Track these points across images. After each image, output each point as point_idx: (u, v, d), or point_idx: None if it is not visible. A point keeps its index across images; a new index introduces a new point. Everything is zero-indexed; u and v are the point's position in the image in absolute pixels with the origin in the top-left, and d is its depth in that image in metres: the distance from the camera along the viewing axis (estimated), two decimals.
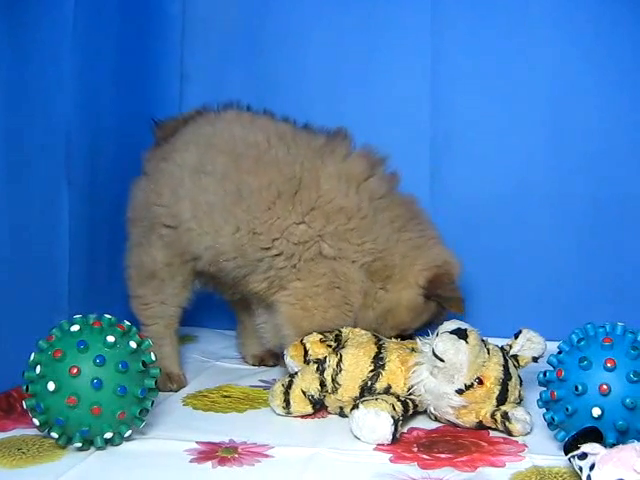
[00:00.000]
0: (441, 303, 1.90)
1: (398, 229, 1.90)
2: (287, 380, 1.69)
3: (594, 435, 1.30)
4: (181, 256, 1.89)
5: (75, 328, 1.47)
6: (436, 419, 1.63)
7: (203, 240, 1.85)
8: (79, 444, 1.44)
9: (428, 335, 1.65)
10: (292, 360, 1.76)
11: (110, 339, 1.45)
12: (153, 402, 1.52)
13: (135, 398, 1.46)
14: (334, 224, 1.84)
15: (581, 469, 1.25)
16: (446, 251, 1.96)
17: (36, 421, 1.45)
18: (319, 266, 1.86)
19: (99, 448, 1.45)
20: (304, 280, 1.86)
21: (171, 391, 1.84)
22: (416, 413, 1.64)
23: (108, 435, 1.45)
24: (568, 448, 1.30)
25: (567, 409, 1.38)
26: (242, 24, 2.44)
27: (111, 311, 1.55)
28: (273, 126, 1.92)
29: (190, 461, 1.42)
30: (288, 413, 1.67)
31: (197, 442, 1.50)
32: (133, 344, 1.48)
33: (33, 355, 1.47)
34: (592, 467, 1.22)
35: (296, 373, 1.70)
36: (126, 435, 1.48)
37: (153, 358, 1.51)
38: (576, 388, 1.37)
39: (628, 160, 2.27)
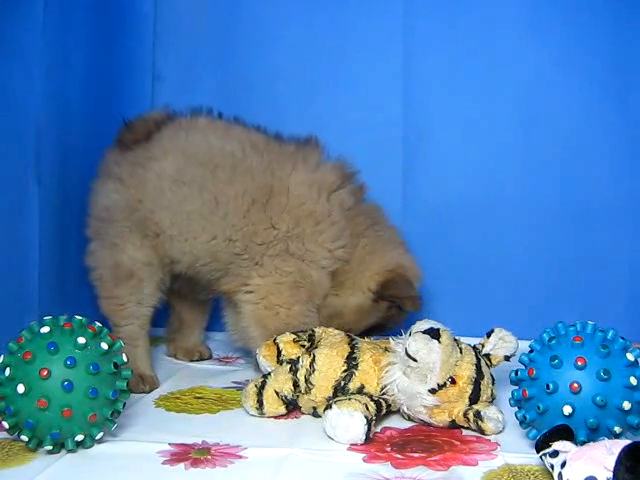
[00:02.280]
0: (396, 303, 1.96)
1: (357, 236, 1.96)
2: (260, 381, 1.68)
3: (565, 433, 1.31)
4: (161, 258, 1.92)
5: (45, 329, 1.45)
6: (409, 418, 1.63)
7: (182, 246, 1.90)
8: (50, 447, 1.42)
9: (401, 335, 1.65)
10: (265, 360, 1.76)
11: (81, 340, 1.43)
12: (125, 404, 1.51)
13: (106, 400, 1.44)
14: (302, 226, 1.88)
15: (552, 467, 1.26)
16: (402, 255, 2.02)
17: (5, 424, 1.43)
18: (286, 263, 1.88)
19: (70, 451, 1.43)
20: (266, 277, 1.89)
21: (143, 392, 1.83)
22: (389, 413, 1.64)
23: (79, 438, 1.43)
24: (540, 446, 1.31)
25: (538, 407, 1.39)
26: (215, 25, 2.43)
27: (82, 312, 1.53)
28: (247, 135, 1.95)
29: (163, 463, 1.41)
30: (261, 414, 1.66)
31: (170, 444, 1.49)
32: (104, 345, 1.46)
33: (2, 357, 1.44)
34: (563, 465, 1.23)
35: (269, 373, 1.70)
36: (97, 437, 1.46)
37: (125, 359, 1.50)
38: (547, 386, 1.38)
39: (597, 162, 2.29)
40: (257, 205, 1.88)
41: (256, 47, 2.40)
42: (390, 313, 1.99)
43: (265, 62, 2.40)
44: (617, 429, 1.36)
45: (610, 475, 1.14)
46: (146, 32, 2.43)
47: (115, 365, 1.46)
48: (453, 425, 1.58)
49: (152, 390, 1.85)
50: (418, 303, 1.96)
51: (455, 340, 1.61)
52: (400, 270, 1.97)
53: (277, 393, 1.65)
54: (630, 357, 1.40)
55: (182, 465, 1.40)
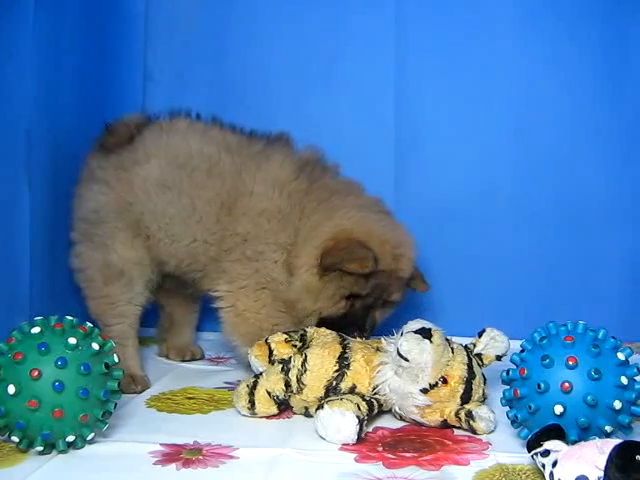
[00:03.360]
0: (343, 270, 1.84)
1: (307, 217, 1.91)
2: (252, 381, 1.68)
3: (556, 432, 1.31)
4: (152, 258, 1.95)
5: (36, 330, 1.44)
6: (401, 418, 1.63)
7: (168, 249, 1.93)
8: (40, 448, 1.42)
9: (392, 335, 1.65)
10: (257, 360, 1.75)
11: (72, 341, 1.43)
12: (116, 404, 1.51)
13: (98, 400, 1.44)
14: (257, 227, 1.89)
15: (544, 466, 1.27)
16: (355, 217, 1.90)
17: None
18: (244, 267, 1.89)
19: (61, 452, 1.43)
20: (231, 283, 1.91)
21: (134, 393, 1.83)
22: (381, 412, 1.64)
23: (70, 438, 1.43)
24: (531, 445, 1.32)
25: (530, 407, 1.40)
26: (207, 25, 2.42)
27: (73, 312, 1.53)
28: (222, 137, 1.97)
29: (154, 463, 1.41)
30: (253, 414, 1.66)
31: (161, 444, 1.49)
32: (95, 346, 1.46)
33: None
34: (555, 464, 1.23)
35: (261, 374, 1.70)
36: (89, 438, 1.46)
37: (116, 360, 1.49)
38: (539, 386, 1.39)
39: (589, 163, 2.31)
40: (225, 209, 1.90)
41: (248, 48, 2.40)
42: (368, 286, 1.88)
43: (257, 63, 2.40)
44: (608, 428, 1.37)
45: (601, 474, 1.14)
46: (137, 32, 2.43)
47: (106, 365, 1.45)
48: (445, 425, 1.59)
49: (143, 390, 1.85)
50: (367, 263, 1.83)
51: (447, 340, 1.62)
52: (343, 234, 1.86)
53: (269, 393, 1.65)
54: (621, 356, 1.40)
55: (174, 465, 1.40)
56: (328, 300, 1.88)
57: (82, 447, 1.46)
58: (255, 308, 1.90)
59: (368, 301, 1.91)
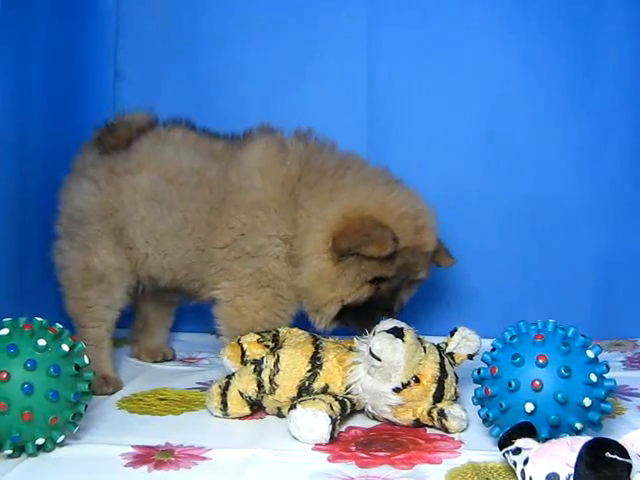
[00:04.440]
0: (360, 254, 1.75)
1: (301, 205, 1.84)
2: (224, 381, 1.67)
3: (527, 430, 1.32)
4: (133, 265, 1.93)
5: (4, 332, 1.42)
6: (374, 418, 1.64)
7: (161, 263, 1.92)
8: (9, 451, 1.40)
9: (365, 334, 1.65)
10: (229, 361, 1.75)
11: (41, 342, 1.41)
12: (87, 406, 1.49)
13: (68, 402, 1.42)
14: (253, 219, 1.85)
15: (515, 464, 1.28)
16: (364, 194, 1.80)
17: None
18: (245, 265, 1.86)
19: (31, 455, 1.41)
20: (232, 280, 1.88)
21: (106, 394, 1.81)
22: (354, 412, 1.64)
23: (40, 441, 1.41)
24: (502, 443, 1.32)
25: (501, 405, 1.41)
26: (178, 22, 2.41)
27: (42, 313, 1.51)
28: (210, 146, 1.94)
29: (125, 465, 1.40)
30: (225, 415, 1.66)
31: (132, 446, 1.48)
32: (65, 347, 1.44)
33: None
34: (526, 462, 1.24)
35: (233, 374, 1.69)
36: (59, 441, 1.44)
37: (86, 361, 1.48)
38: (509, 384, 1.40)
39: (563, 161, 2.33)
40: (214, 211, 1.88)
41: (220, 47, 2.39)
42: (394, 267, 1.78)
43: (229, 63, 2.39)
44: (578, 425, 1.38)
45: (572, 471, 1.15)
46: (108, 30, 2.41)
47: (76, 367, 1.44)
48: (417, 424, 1.59)
49: (115, 392, 1.84)
50: (385, 245, 1.72)
51: (419, 339, 1.62)
52: (354, 213, 1.76)
53: (241, 394, 1.65)
54: (590, 354, 1.42)
55: (145, 467, 1.39)
56: (348, 286, 1.79)
57: (52, 450, 1.44)
58: (255, 307, 1.87)
59: (395, 283, 1.82)
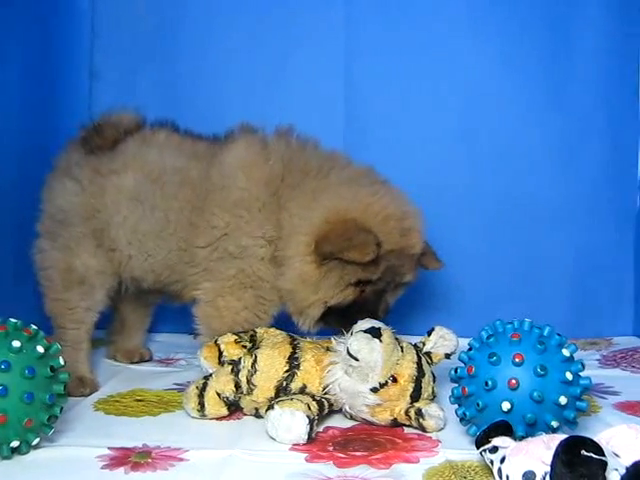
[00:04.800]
0: (343, 260, 1.74)
1: (284, 206, 1.83)
2: (201, 382, 1.67)
3: (504, 429, 1.33)
4: (115, 268, 1.92)
5: None
6: (351, 417, 1.64)
7: (143, 265, 1.90)
8: None
9: (342, 334, 1.65)
10: (206, 361, 1.74)
11: (16, 344, 1.39)
12: (62, 408, 1.48)
13: (43, 404, 1.41)
14: (236, 218, 1.83)
15: (492, 462, 1.28)
16: (339, 196, 1.79)
17: None
18: (228, 266, 1.85)
19: (5, 457, 1.40)
20: (214, 281, 1.87)
21: (82, 396, 1.80)
22: (332, 412, 1.64)
23: (15, 444, 1.40)
24: (479, 442, 1.33)
25: (478, 404, 1.41)
26: (154, 22, 2.40)
27: (17, 314, 1.49)
28: (193, 147, 1.93)
29: (102, 467, 1.39)
30: (203, 416, 1.65)
31: (109, 448, 1.47)
32: (40, 349, 1.43)
33: None
34: (503, 460, 1.25)
35: (210, 375, 1.69)
36: (34, 443, 1.43)
37: (62, 362, 1.46)
38: (486, 383, 1.40)
39: (536, 163, 2.35)
40: (196, 210, 1.87)
41: (198, 45, 2.38)
42: (378, 270, 1.77)
43: (207, 61, 2.39)
44: (554, 424, 1.39)
45: (548, 469, 1.15)
46: (84, 29, 2.40)
47: (52, 368, 1.43)
48: (395, 423, 1.59)
49: (92, 393, 1.82)
50: (368, 250, 1.70)
51: (396, 339, 1.62)
52: (338, 216, 1.75)
53: (219, 394, 1.64)
54: (566, 353, 1.43)
55: (122, 469, 1.38)
56: (332, 289, 1.78)
57: (27, 452, 1.42)
58: (236, 308, 1.86)
59: (380, 285, 1.81)
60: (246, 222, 1.83)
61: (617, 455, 1.18)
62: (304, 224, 1.78)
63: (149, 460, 1.42)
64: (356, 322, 1.67)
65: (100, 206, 1.89)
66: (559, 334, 1.46)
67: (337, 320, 1.80)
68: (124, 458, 1.43)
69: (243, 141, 1.91)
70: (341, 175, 1.84)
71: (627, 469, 1.14)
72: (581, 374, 1.43)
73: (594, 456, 1.11)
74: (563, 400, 1.38)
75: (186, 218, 1.87)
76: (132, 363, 2.11)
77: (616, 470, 1.13)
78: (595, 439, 1.16)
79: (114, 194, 1.88)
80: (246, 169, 1.85)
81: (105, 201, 1.89)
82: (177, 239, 1.88)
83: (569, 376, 1.40)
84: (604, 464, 1.11)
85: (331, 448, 1.49)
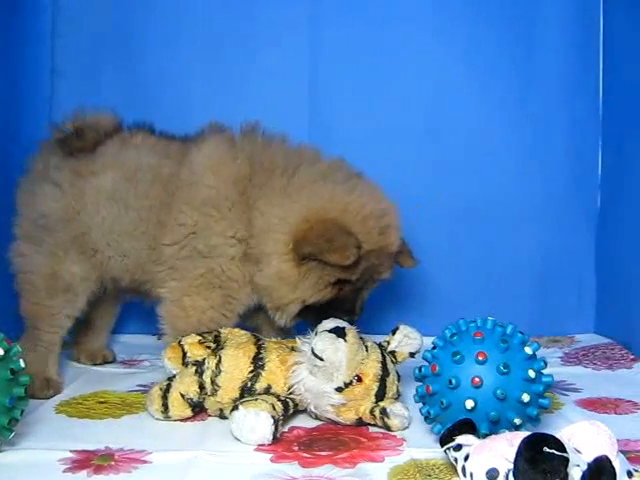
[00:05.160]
0: (323, 261, 1.73)
1: (254, 205, 1.81)
2: (165, 383, 1.65)
3: (468, 427, 1.34)
4: (99, 274, 1.91)
5: None
6: (316, 417, 1.64)
7: (121, 266, 1.90)
8: None
9: (307, 334, 1.65)
10: (170, 362, 1.73)
11: None
12: (23, 411, 1.46)
13: (3, 408, 1.39)
14: (205, 217, 1.82)
15: (456, 460, 1.29)
16: (317, 194, 1.77)
17: None
18: (197, 265, 1.83)
19: None
20: (181, 280, 1.85)
21: (46, 398, 1.77)
22: (297, 412, 1.64)
23: None
24: (444, 440, 1.34)
25: (442, 403, 1.42)
26: (116, 19, 2.38)
27: None
28: (167, 147, 1.92)
29: (64, 471, 1.37)
30: (167, 417, 1.64)
31: (71, 451, 1.45)
32: (0, 351, 1.40)
33: None
34: (466, 458, 1.26)
35: (174, 376, 1.67)
36: None
37: (22, 365, 1.44)
38: (450, 382, 1.41)
39: (502, 161, 2.37)
40: (164, 207, 1.85)
41: (161, 43, 2.37)
42: (358, 270, 1.77)
43: (170, 59, 2.37)
44: (517, 421, 1.40)
45: (511, 466, 1.16)
46: (44, 26, 2.36)
47: (12, 371, 1.40)
48: (360, 423, 1.60)
49: (55, 395, 1.80)
50: (348, 253, 1.69)
51: (361, 338, 1.63)
52: (317, 215, 1.73)
53: (183, 396, 1.63)
54: (528, 351, 1.44)
55: (84, 472, 1.36)
56: (310, 288, 1.77)
57: None
58: (202, 308, 1.84)
59: (358, 284, 1.81)
60: (216, 221, 1.82)
61: (579, 451, 1.19)
62: (280, 223, 1.77)
63: (112, 463, 1.41)
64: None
65: (79, 207, 1.88)
66: (522, 332, 1.48)
67: (315, 317, 1.78)
68: (86, 461, 1.41)
69: (212, 140, 1.90)
70: (312, 171, 1.83)
71: (588, 465, 1.15)
72: (543, 372, 1.45)
73: (556, 453, 1.13)
74: (526, 397, 1.40)
75: (156, 216, 1.86)
76: (95, 365, 2.09)
77: (578, 466, 1.15)
78: (557, 436, 1.18)
79: (93, 195, 1.88)
80: (214, 168, 1.85)
81: (84, 202, 1.88)
82: (148, 238, 1.87)
83: (532, 374, 1.41)
84: (566, 460, 1.13)
85: (296, 448, 1.49)
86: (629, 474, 1.21)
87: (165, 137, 1.97)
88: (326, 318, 1.68)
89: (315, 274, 1.77)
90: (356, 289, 1.82)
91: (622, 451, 1.27)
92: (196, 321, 1.84)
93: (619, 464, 1.18)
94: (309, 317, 1.82)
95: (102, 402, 1.76)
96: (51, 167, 1.91)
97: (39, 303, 1.89)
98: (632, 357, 2.08)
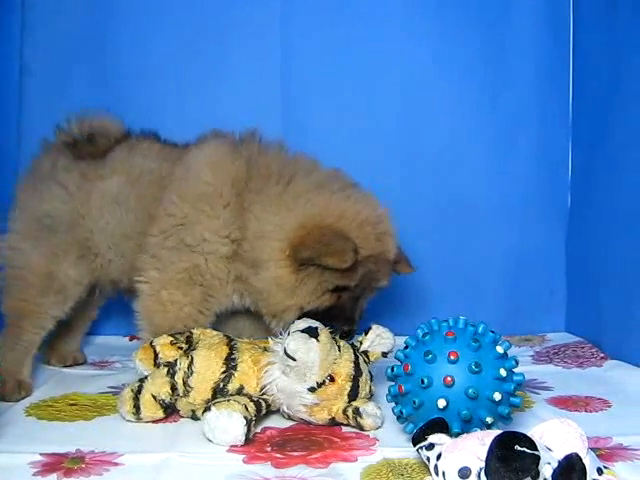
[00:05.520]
0: (321, 266, 1.73)
1: (248, 209, 1.81)
2: (136, 385, 1.64)
3: (440, 426, 1.34)
4: (96, 278, 1.94)
5: None
6: (289, 418, 1.63)
7: (121, 268, 1.91)
8: None
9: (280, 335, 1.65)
10: (141, 364, 1.71)
11: None
12: None
13: None
14: (197, 212, 1.81)
15: (429, 459, 1.29)
16: (313, 202, 1.78)
17: None
18: (182, 258, 1.82)
19: None
20: (162, 271, 1.84)
21: (17, 400, 1.75)
22: (269, 412, 1.64)
23: None
24: (416, 440, 1.34)
25: (414, 402, 1.42)
26: (88, 18, 2.35)
27: None
28: (169, 152, 1.94)
29: (34, 474, 1.36)
30: (138, 419, 1.63)
31: (41, 454, 1.43)
32: None
33: None
34: (439, 457, 1.26)
35: (146, 377, 1.66)
36: None
37: None
38: (422, 381, 1.41)
39: (471, 161, 2.38)
40: (156, 202, 1.86)
41: (132, 42, 2.35)
42: (356, 276, 1.77)
43: (140, 58, 2.35)
44: (489, 420, 1.41)
45: (483, 465, 1.17)
46: (13, 23, 2.33)
47: None
48: (333, 422, 1.60)
49: (26, 397, 1.78)
50: (346, 257, 1.70)
51: (333, 338, 1.63)
52: (313, 222, 1.74)
53: (154, 397, 1.62)
54: (500, 350, 1.45)
55: (55, 475, 1.35)
56: (309, 295, 1.76)
57: None
58: (180, 303, 1.83)
59: (356, 292, 1.80)
60: (208, 217, 1.81)
61: (550, 449, 1.20)
62: (275, 229, 1.77)
63: (82, 465, 1.39)
64: (333, 328, 1.68)
65: (85, 211, 1.90)
66: (493, 331, 1.49)
67: None
68: (57, 464, 1.40)
69: (213, 142, 1.91)
70: (308, 181, 1.83)
71: (559, 462, 1.16)
72: (515, 370, 1.46)
73: (527, 451, 1.13)
74: (497, 396, 1.40)
75: (148, 212, 1.87)
76: (65, 367, 2.07)
77: (549, 464, 1.16)
78: (528, 434, 1.19)
79: (98, 199, 1.90)
80: (213, 166, 1.85)
81: (89, 206, 1.90)
82: (142, 236, 1.87)
83: (503, 373, 1.42)
84: (537, 458, 1.13)
85: (269, 449, 1.49)
86: (599, 471, 1.22)
87: (169, 144, 1.99)
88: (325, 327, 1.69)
89: (313, 280, 1.76)
90: (354, 297, 1.81)
91: (592, 448, 1.28)
92: (173, 316, 1.83)
93: (589, 461, 1.19)
94: None
95: (73, 404, 1.74)
96: (60, 168, 1.93)
97: (27, 300, 1.89)
98: (602, 355, 2.10)
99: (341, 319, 1.78)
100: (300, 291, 1.76)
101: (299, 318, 1.75)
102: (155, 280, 1.84)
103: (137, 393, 1.62)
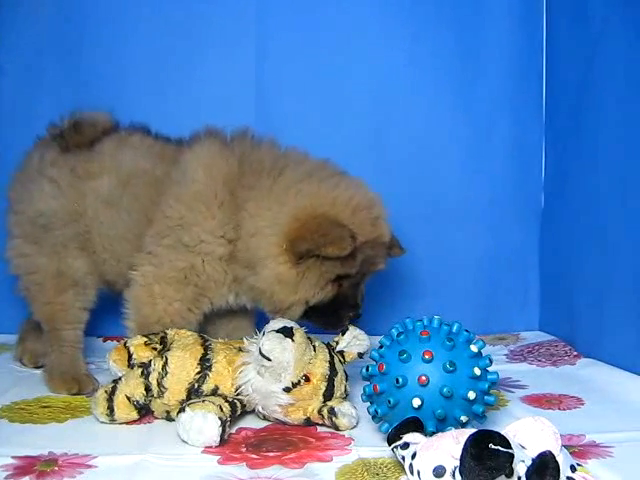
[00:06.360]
0: (321, 256, 1.71)
1: (242, 207, 1.79)
2: (110, 386, 1.63)
3: (415, 425, 1.34)
4: (100, 271, 1.94)
5: None
6: (265, 418, 1.63)
7: (116, 269, 1.91)
8: None
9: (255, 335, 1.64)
10: (115, 365, 1.70)
11: None
12: None
13: None
14: (193, 213, 1.80)
15: (404, 458, 1.30)
16: (305, 192, 1.76)
17: None
18: (179, 257, 1.81)
19: None
20: (158, 267, 1.83)
21: (94, 391, 1.73)
22: (245, 413, 1.63)
23: None
24: (391, 439, 1.34)
25: (389, 401, 1.43)
26: (61, 18, 2.33)
27: None
28: (162, 150, 1.93)
29: (5, 477, 1.34)
30: (112, 420, 1.61)
31: (13, 457, 1.42)
32: None
33: None
34: (414, 456, 1.27)
35: (120, 378, 1.65)
36: None
37: None
38: (397, 381, 1.42)
39: (447, 163, 2.39)
40: (153, 205, 1.86)
41: (106, 42, 2.33)
42: (356, 263, 1.75)
43: (114, 56, 2.34)
44: (463, 418, 1.42)
45: (457, 463, 1.17)
46: None
47: None
48: (308, 422, 1.60)
49: (94, 390, 1.75)
50: (344, 244, 1.68)
51: (309, 338, 1.63)
52: (306, 212, 1.72)
53: (128, 398, 1.61)
54: (474, 349, 1.46)
55: (27, 479, 1.34)
56: (312, 288, 1.73)
57: None
58: (170, 299, 1.82)
59: (357, 278, 1.79)
60: (204, 218, 1.80)
61: (523, 447, 1.21)
62: (270, 225, 1.75)
63: (55, 468, 1.38)
64: (339, 318, 1.73)
65: (82, 210, 1.89)
66: (467, 330, 1.50)
67: (319, 317, 1.79)
68: (29, 467, 1.38)
69: (205, 141, 1.90)
70: (297, 171, 1.81)
71: (533, 460, 1.17)
72: (489, 369, 1.47)
73: (501, 449, 1.14)
74: (472, 395, 1.41)
75: (146, 216, 1.86)
76: (38, 367, 2.04)
77: (523, 462, 1.16)
78: (502, 432, 1.19)
79: (92, 199, 1.89)
80: (206, 166, 1.84)
81: (85, 205, 1.89)
82: (139, 240, 1.87)
83: (477, 371, 1.43)
84: (511, 456, 1.14)
85: (244, 449, 1.48)
86: (572, 468, 1.23)
87: (161, 139, 1.98)
88: (332, 317, 1.73)
89: (314, 272, 1.74)
90: (355, 284, 1.80)
91: (566, 446, 1.30)
92: (162, 310, 1.82)
93: (563, 459, 1.20)
94: (313, 318, 1.79)
95: (45, 406, 1.73)
96: (47, 163, 1.92)
97: (51, 302, 1.90)
98: (575, 354, 2.12)
99: (346, 307, 1.78)
100: (303, 285, 1.74)
101: (305, 313, 1.76)
102: (149, 274, 1.84)
103: (111, 394, 1.61)
